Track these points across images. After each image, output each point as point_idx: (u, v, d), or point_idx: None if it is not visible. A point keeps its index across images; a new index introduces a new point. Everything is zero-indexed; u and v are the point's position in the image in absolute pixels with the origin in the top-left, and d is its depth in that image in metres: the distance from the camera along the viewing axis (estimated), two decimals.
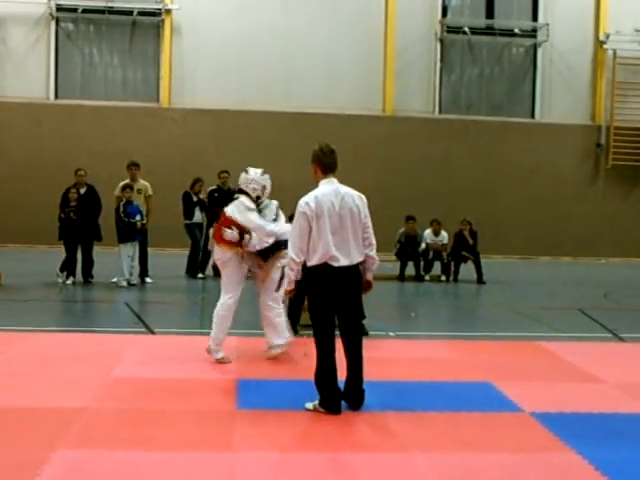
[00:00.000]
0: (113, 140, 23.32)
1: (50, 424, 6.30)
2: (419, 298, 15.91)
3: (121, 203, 14.84)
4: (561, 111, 25.29)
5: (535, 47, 25.48)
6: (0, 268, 14.76)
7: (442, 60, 25.21)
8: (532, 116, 25.47)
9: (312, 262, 6.70)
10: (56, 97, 24.00)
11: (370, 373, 7.94)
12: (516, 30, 25.30)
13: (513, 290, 16.87)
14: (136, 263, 15.00)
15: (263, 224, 8.44)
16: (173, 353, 8.93)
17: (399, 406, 6.98)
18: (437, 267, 17.94)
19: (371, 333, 10.37)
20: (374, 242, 6.97)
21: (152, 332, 10.12)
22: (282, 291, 8.23)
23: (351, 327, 6.92)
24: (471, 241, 17.86)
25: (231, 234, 8.48)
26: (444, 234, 18.15)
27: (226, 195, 16.84)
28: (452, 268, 17.80)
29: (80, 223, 14.82)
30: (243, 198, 8.58)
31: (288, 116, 23.88)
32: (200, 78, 23.99)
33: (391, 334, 10.66)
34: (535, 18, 25.45)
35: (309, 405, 6.82)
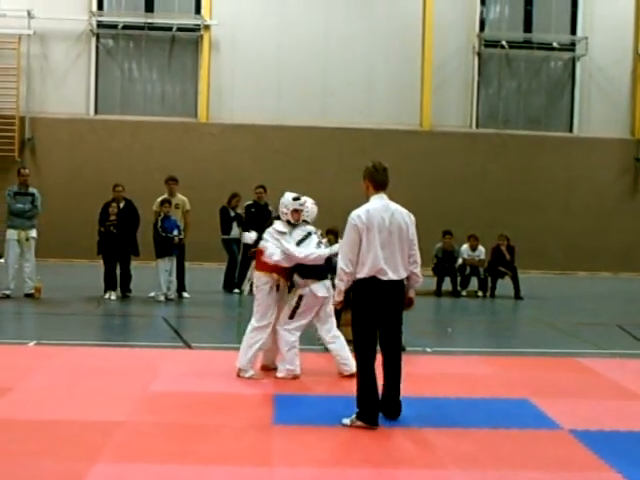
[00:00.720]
0: (152, 155, 23.54)
1: (90, 437, 6.36)
2: (456, 314, 15.83)
3: (159, 218, 14.95)
4: (600, 125, 25.08)
5: (574, 60, 25.32)
6: (41, 282, 14.91)
7: (480, 74, 25.14)
8: (570, 130, 25.29)
9: (361, 275, 6.83)
10: (96, 112, 24.29)
11: (408, 389, 7.92)
12: (554, 44, 25.17)
13: (551, 306, 16.73)
14: (174, 278, 15.08)
15: (287, 247, 8.47)
16: (210, 368, 8.98)
17: (437, 422, 6.96)
18: (474, 282, 17.84)
19: (408, 349, 10.32)
20: (419, 260, 7.23)
21: (189, 347, 10.18)
22: (330, 305, 8.43)
23: (392, 341, 7.03)
24: (508, 256, 17.75)
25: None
26: (481, 249, 18.05)
27: (262, 210, 16.96)
28: (489, 284, 17.70)
29: (119, 237, 14.96)
30: (276, 223, 8.75)
31: (326, 131, 23.94)
32: (238, 93, 24.15)
33: (428, 350, 10.62)
34: (574, 31, 25.30)
35: (346, 421, 6.83)
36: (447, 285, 17.62)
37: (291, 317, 8.60)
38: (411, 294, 7.23)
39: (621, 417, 7.39)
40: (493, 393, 8.16)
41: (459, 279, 17.73)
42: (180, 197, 15.63)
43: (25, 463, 5.73)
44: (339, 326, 10.41)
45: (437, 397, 7.92)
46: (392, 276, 6.87)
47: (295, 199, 8.68)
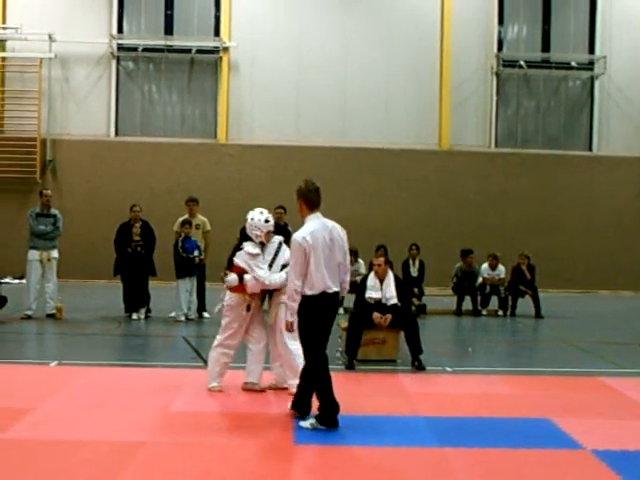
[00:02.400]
0: (171, 176, 23.69)
1: (111, 458, 6.38)
2: (476, 333, 15.76)
3: (179, 238, 15.01)
4: (619, 143, 25.03)
5: (592, 79, 25.30)
6: (62, 302, 15.00)
7: (498, 94, 25.17)
8: (590, 149, 25.23)
9: (311, 292, 7.22)
10: (117, 134, 24.48)
11: (427, 408, 7.92)
12: (573, 63, 25.17)
13: (572, 325, 16.63)
14: (194, 298, 15.12)
15: (258, 274, 8.61)
16: (231, 387, 8.98)
17: (457, 442, 6.93)
18: (494, 302, 17.77)
19: (428, 368, 10.33)
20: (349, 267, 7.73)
21: None
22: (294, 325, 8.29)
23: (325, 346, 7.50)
24: (529, 275, 17.69)
25: (231, 279, 8.78)
26: (501, 268, 18.00)
27: (282, 231, 16.97)
28: (510, 302, 17.63)
29: (142, 258, 15.05)
30: (247, 245, 8.83)
31: (344, 152, 24.01)
32: (257, 114, 24.29)
33: (448, 369, 10.59)
34: (592, 51, 25.30)
35: (305, 424, 7.24)
36: (467, 304, 17.57)
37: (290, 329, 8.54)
38: None
39: None
40: (514, 413, 8.12)
41: (479, 298, 17.68)
42: (200, 218, 15.70)
43: None
44: (361, 345, 10.43)
45: (457, 417, 7.89)
46: (335, 288, 7.36)
47: (267, 221, 8.80)
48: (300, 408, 7.58)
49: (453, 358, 11.82)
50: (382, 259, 10.92)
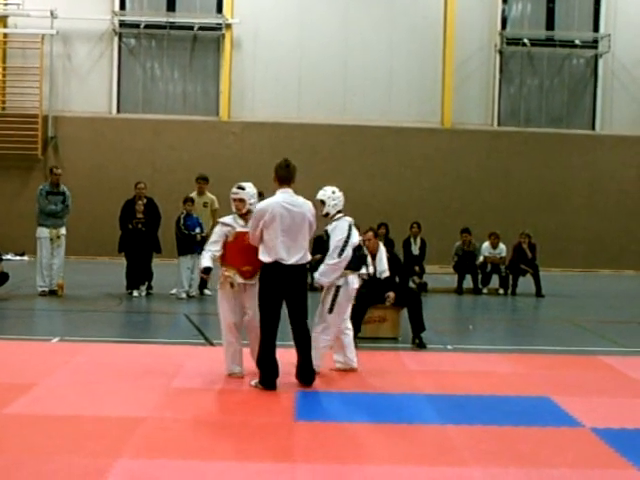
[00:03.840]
0: (173, 153, 23.66)
1: (112, 433, 6.42)
2: (477, 311, 15.80)
3: (181, 216, 15.01)
4: (623, 123, 24.96)
5: (596, 58, 25.20)
6: (64, 279, 15.02)
7: (501, 72, 25.08)
8: (593, 128, 25.17)
9: (266, 259, 7.79)
10: (118, 111, 24.43)
11: (429, 386, 7.95)
12: (577, 41, 25.07)
13: (573, 303, 16.66)
14: (195, 275, 15.13)
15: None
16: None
17: (458, 419, 6.96)
18: (495, 280, 17.80)
19: (429, 346, 10.36)
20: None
21: (211, 344, 10.22)
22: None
23: (298, 316, 7.97)
24: (530, 254, 17.70)
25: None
26: (502, 247, 18.01)
27: None
28: (510, 281, 17.65)
29: (144, 235, 15.07)
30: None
31: (346, 129, 23.95)
32: (259, 92, 24.22)
33: (449, 347, 10.62)
34: (596, 29, 25.18)
35: (253, 382, 7.87)
36: (468, 283, 17.59)
37: (330, 311, 8.55)
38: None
39: None
40: (514, 391, 8.15)
41: (480, 277, 17.70)
42: (209, 196, 15.68)
43: (48, 458, 5.79)
44: (362, 323, 10.45)
45: (458, 394, 7.91)
46: (291, 261, 7.73)
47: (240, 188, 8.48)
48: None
49: (454, 336, 11.86)
50: (371, 233, 10.82)
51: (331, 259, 8.44)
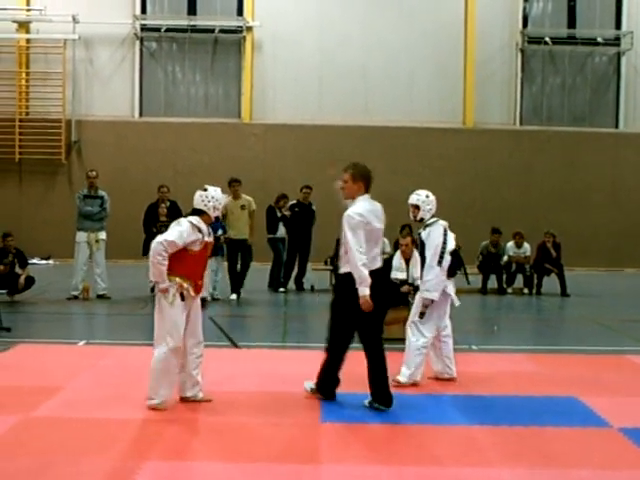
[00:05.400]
0: (195, 156, 23.72)
1: (140, 435, 6.46)
2: (501, 311, 15.75)
3: None
4: None
5: (619, 55, 25.03)
6: (88, 283, 15.11)
7: (523, 71, 24.94)
8: (616, 126, 24.99)
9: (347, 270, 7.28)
10: (141, 115, 24.53)
11: (454, 387, 7.93)
12: (599, 39, 24.89)
13: (598, 303, 16.57)
14: (219, 277, 15.18)
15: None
16: (257, 366, 9.04)
17: (484, 420, 6.95)
18: (519, 280, 17.72)
19: (454, 347, 10.33)
20: None
21: (236, 346, 10.25)
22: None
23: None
24: (554, 253, 17.62)
25: None
26: (526, 246, 17.93)
27: (306, 210, 17.04)
28: (535, 281, 17.57)
29: None
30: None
31: (367, 130, 23.92)
32: (280, 93, 24.24)
33: (474, 347, 10.60)
34: (618, 26, 25.00)
35: (308, 387, 7.67)
36: (492, 283, 17.53)
37: (421, 317, 8.33)
38: None
39: None
40: (540, 391, 8.12)
41: (504, 276, 17.64)
42: (246, 198, 15.60)
43: (76, 460, 5.83)
44: (385, 324, 10.43)
45: (484, 395, 7.90)
46: (378, 266, 7.39)
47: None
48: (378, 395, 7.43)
49: (479, 336, 11.83)
50: (409, 239, 10.90)
51: (431, 269, 8.14)
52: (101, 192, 15.39)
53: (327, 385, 7.60)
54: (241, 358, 9.65)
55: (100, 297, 14.90)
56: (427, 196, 8.31)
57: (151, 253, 7.23)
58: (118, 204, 22.67)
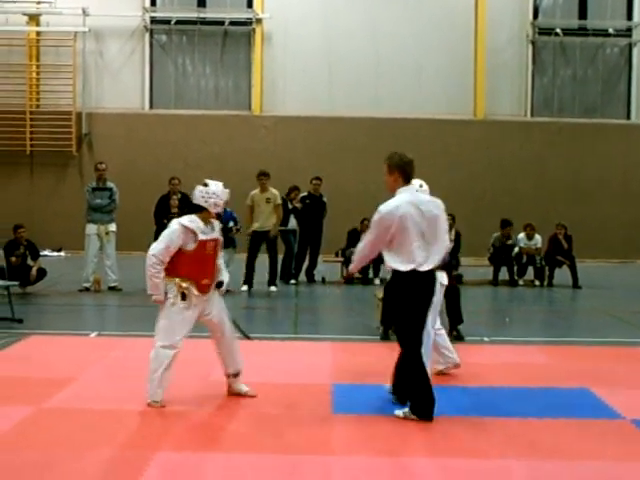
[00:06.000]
0: (205, 148, 23.73)
1: (152, 426, 6.48)
2: (513, 303, 15.71)
3: None
4: None
5: (630, 47, 24.90)
6: (100, 274, 15.14)
7: (534, 62, 24.83)
8: (628, 117, 24.88)
9: (403, 268, 6.74)
10: (151, 107, 24.53)
11: (466, 379, 7.92)
12: (610, 30, 24.75)
13: (610, 294, 16.52)
14: (231, 269, 15.14)
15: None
16: (268, 358, 9.05)
17: (496, 412, 6.94)
18: (531, 272, 17.68)
19: (466, 338, 10.33)
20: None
21: (248, 337, 10.25)
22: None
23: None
24: (566, 245, 17.56)
25: None
26: (538, 238, 17.88)
27: (317, 202, 17.04)
28: (546, 273, 17.53)
29: None
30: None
31: (378, 122, 23.87)
32: (291, 85, 24.21)
33: (486, 339, 10.58)
34: (630, 17, 24.87)
35: (399, 413, 6.80)
36: (504, 274, 17.49)
37: None
38: None
39: None
40: (552, 382, 8.10)
41: (516, 268, 17.60)
42: (272, 191, 15.56)
43: (88, 451, 5.85)
44: None
45: (495, 386, 7.89)
46: (427, 267, 6.75)
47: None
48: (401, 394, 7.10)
49: (491, 328, 11.80)
50: None
51: None
52: (110, 184, 15.42)
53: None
54: (252, 350, 9.62)
55: (111, 289, 14.94)
56: (421, 185, 8.15)
57: (145, 266, 7.17)
58: (128, 196, 22.73)
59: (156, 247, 7.17)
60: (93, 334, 10.52)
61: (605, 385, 7.93)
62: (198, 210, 7.29)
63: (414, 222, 6.70)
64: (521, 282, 17.55)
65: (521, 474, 5.61)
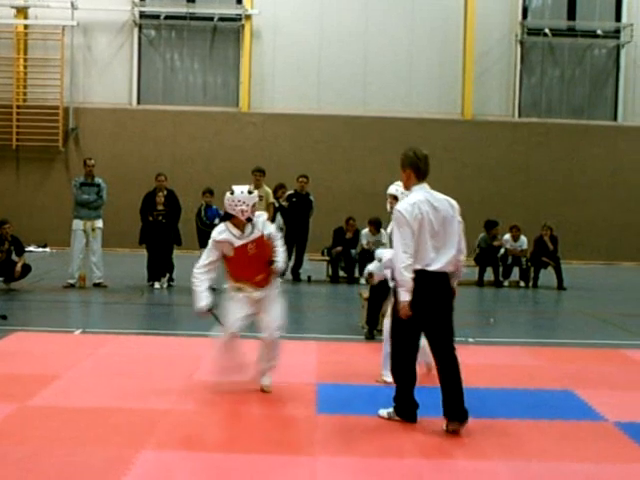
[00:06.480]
0: (193, 144, 23.69)
1: (136, 425, 6.45)
2: (498, 304, 15.75)
3: (201, 207, 15.05)
4: None
5: (618, 48, 24.99)
6: (85, 271, 15.08)
7: (522, 63, 24.91)
8: (615, 119, 24.97)
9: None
10: (139, 102, 24.48)
11: None
12: (599, 31, 24.85)
13: (595, 296, 16.58)
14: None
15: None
16: (253, 356, 9.01)
17: (480, 413, 6.93)
18: (516, 273, 17.73)
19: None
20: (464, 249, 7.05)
21: None
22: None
23: (441, 335, 6.73)
24: (551, 246, 17.61)
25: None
26: (523, 239, 17.94)
27: (303, 200, 17.03)
28: (531, 274, 17.58)
29: (165, 227, 15.10)
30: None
31: (366, 120, 23.89)
32: (279, 83, 24.19)
33: (470, 340, 10.58)
34: (618, 18, 24.96)
35: (383, 413, 6.76)
36: (489, 275, 17.52)
37: None
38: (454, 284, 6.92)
39: None
40: (536, 384, 8.12)
41: (501, 269, 17.64)
42: (265, 189, 15.55)
43: (72, 450, 5.82)
44: (380, 316, 10.42)
45: (480, 388, 7.89)
46: (438, 267, 6.52)
47: (249, 192, 7.51)
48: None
49: (475, 329, 11.81)
50: None
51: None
52: (98, 180, 15.34)
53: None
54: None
55: (96, 285, 14.88)
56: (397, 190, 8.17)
57: None
58: (115, 192, 22.67)
59: (198, 263, 7.54)
60: (78, 331, 10.48)
61: (589, 387, 7.96)
62: (229, 218, 7.48)
63: (429, 220, 6.50)
64: (506, 283, 17.60)
65: (504, 475, 5.61)
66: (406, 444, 6.22)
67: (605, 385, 8.14)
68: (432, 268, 6.47)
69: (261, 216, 7.66)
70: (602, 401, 7.41)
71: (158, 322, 12.14)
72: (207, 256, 7.46)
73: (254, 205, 7.43)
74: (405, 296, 6.35)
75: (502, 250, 17.71)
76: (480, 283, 17.41)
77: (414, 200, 6.57)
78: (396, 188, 8.08)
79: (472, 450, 6.08)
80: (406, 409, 6.67)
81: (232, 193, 7.39)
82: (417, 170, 6.81)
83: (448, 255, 6.62)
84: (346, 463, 5.76)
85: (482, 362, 9.18)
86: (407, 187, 6.84)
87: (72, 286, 14.69)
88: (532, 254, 17.71)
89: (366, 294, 11.00)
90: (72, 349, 9.33)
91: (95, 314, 12.82)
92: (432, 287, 6.49)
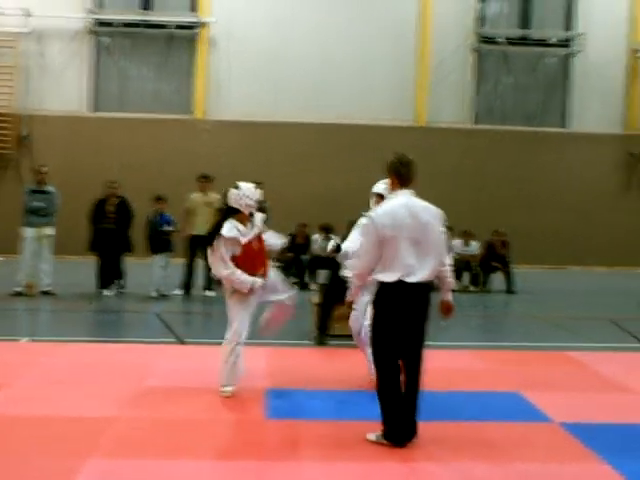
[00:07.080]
0: (147, 152, 23.56)
1: (84, 433, 6.39)
2: None
3: (155, 214, 14.98)
4: (594, 120, 25.06)
5: (569, 57, 25.32)
6: (34, 279, 14.90)
7: (477, 70, 25.15)
8: (564, 126, 25.30)
9: (386, 279, 6.26)
10: (93, 110, 24.29)
11: None
12: (551, 40, 25.18)
13: (544, 300, 16.74)
14: (168, 273, 15.06)
15: None
16: (203, 363, 8.99)
17: (428, 415, 6.96)
18: (466, 277, 17.86)
19: None
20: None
21: (182, 342, 10.21)
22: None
23: (414, 347, 6.60)
24: (502, 251, 17.79)
25: None
26: (474, 244, 18.10)
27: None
28: (481, 278, 17.73)
29: (115, 234, 14.98)
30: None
31: (321, 127, 23.94)
32: (234, 90, 24.15)
33: None
34: (570, 28, 25.30)
35: (371, 436, 6.38)
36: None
37: None
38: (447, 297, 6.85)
39: (611, 410, 7.45)
40: (484, 386, 8.20)
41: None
42: (213, 195, 15.38)
43: (19, 459, 5.76)
44: (330, 321, 10.46)
45: (428, 390, 7.93)
46: (415, 279, 6.27)
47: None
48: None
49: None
50: None
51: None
52: (50, 187, 15.15)
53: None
54: (187, 354, 9.61)
55: (44, 293, 14.68)
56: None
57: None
58: (68, 199, 22.37)
59: (219, 269, 7.57)
60: (24, 339, 10.36)
61: (536, 389, 8.05)
62: (234, 212, 7.62)
63: (406, 227, 6.29)
64: (456, 287, 17.66)
65: (450, 477, 5.66)
66: (353, 448, 6.20)
67: (552, 387, 8.25)
68: (411, 279, 6.24)
69: (256, 215, 7.90)
70: (548, 403, 7.51)
71: (107, 329, 12.05)
72: (224, 258, 7.46)
73: (257, 201, 7.75)
74: (349, 297, 6.72)
75: (452, 254, 17.82)
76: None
77: (391, 206, 6.47)
78: (384, 187, 7.84)
79: (417, 452, 6.12)
80: (394, 432, 6.28)
81: (237, 188, 7.67)
82: (399, 176, 6.74)
83: (431, 264, 6.39)
84: (295, 468, 5.76)
85: (431, 365, 9.17)
86: (391, 192, 6.76)
87: (20, 294, 14.47)
88: (482, 259, 17.87)
89: (316, 300, 11.04)
90: (19, 357, 9.21)
91: (43, 322, 12.68)
92: (409, 300, 6.30)
